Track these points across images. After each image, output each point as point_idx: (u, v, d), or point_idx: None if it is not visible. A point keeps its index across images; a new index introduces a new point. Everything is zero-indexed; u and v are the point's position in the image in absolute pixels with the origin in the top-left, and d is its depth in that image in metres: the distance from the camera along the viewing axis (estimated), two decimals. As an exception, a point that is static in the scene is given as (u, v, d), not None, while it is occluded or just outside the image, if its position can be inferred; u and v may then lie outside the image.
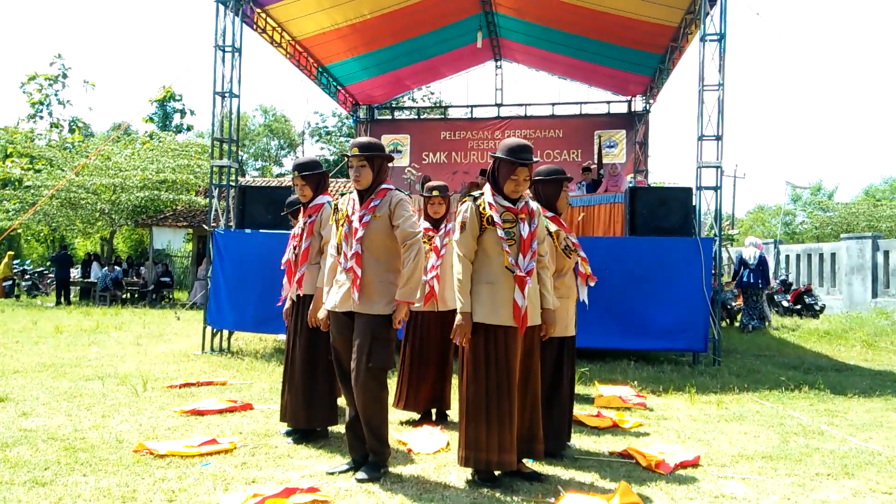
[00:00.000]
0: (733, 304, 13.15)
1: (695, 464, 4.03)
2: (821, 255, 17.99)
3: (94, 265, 19.91)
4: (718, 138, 8.26)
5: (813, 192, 40.51)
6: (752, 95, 79.44)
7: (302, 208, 4.59)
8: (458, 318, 3.58)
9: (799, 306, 14.96)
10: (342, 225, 3.82)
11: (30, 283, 21.04)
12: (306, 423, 4.44)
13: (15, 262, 21.90)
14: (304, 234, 4.47)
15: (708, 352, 7.77)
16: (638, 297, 7.63)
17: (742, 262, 12.41)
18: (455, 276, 3.66)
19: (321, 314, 3.96)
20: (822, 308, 14.97)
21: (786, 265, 19.26)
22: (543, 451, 3.76)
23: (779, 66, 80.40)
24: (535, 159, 3.67)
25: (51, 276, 20.69)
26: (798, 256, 19.05)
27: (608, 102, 15.54)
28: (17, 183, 21.64)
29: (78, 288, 19.74)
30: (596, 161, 13.63)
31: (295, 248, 4.54)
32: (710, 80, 8.34)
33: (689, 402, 5.88)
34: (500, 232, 3.59)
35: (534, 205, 3.77)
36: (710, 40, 8.32)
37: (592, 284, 4.40)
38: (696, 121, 8.36)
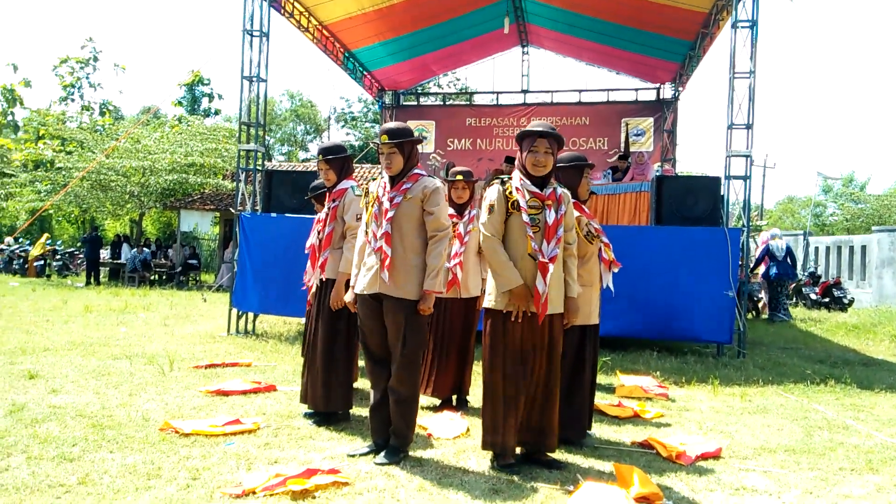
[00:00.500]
0: (759, 295, 13.00)
1: (716, 456, 4.00)
2: (851, 248, 17.69)
3: (125, 246, 20.24)
4: (749, 127, 8.14)
5: (844, 184, 39.69)
6: (784, 84, 78.02)
7: (327, 193, 4.61)
8: (495, 300, 3.58)
9: (827, 299, 14.74)
10: (372, 206, 3.84)
11: (60, 263, 21.45)
12: (324, 406, 4.48)
13: (47, 242, 22.32)
14: (328, 219, 4.49)
15: (733, 343, 7.70)
16: (663, 287, 7.57)
17: (770, 254, 12.28)
18: (489, 257, 3.65)
19: (348, 297, 3.99)
20: (851, 301, 14.73)
21: (815, 257, 18.97)
22: (556, 444, 3.74)
23: (812, 54, 78.80)
24: (554, 131, 3.65)
25: (81, 256, 21.08)
26: (828, 248, 18.75)
27: (636, 90, 15.31)
28: (48, 164, 22.04)
29: (107, 269, 20.08)
30: (623, 149, 13.50)
31: (319, 233, 4.57)
32: (741, 68, 8.20)
33: (712, 394, 5.84)
34: (524, 217, 3.58)
35: (562, 191, 3.74)
36: (742, 27, 8.17)
37: (616, 270, 4.36)
38: (727, 109, 8.23)
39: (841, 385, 6.27)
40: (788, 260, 12.33)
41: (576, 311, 3.76)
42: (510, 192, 3.64)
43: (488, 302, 3.67)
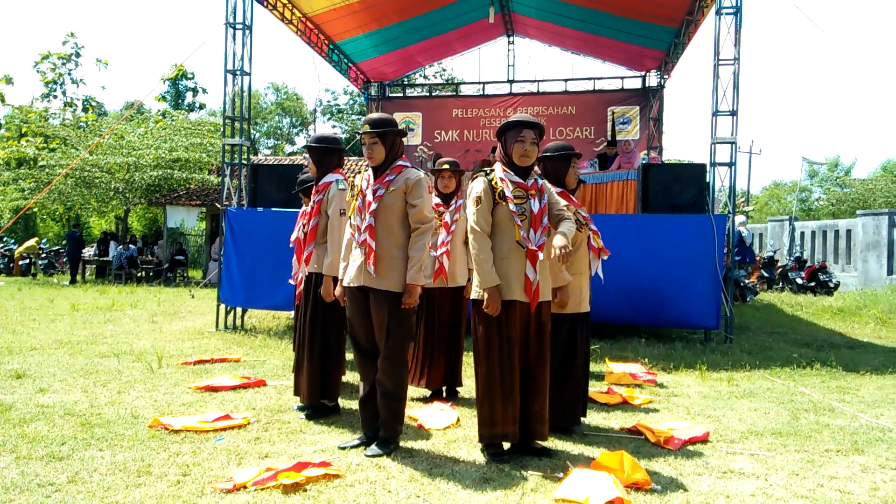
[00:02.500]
0: (746, 281, 13.18)
1: (704, 440, 4.05)
2: (836, 232, 17.86)
3: (112, 243, 20.08)
4: (734, 113, 8.17)
5: (830, 168, 40.02)
6: (768, 69, 78.33)
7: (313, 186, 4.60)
8: (483, 294, 3.57)
9: (813, 283, 14.90)
10: (356, 199, 3.84)
11: (46, 261, 21.27)
12: (313, 399, 4.47)
13: (38, 246, 22.05)
14: (312, 213, 4.48)
15: (720, 329, 7.76)
16: (650, 275, 7.61)
17: (741, 241, 12.87)
18: (473, 252, 3.65)
19: (337, 291, 3.99)
20: (837, 285, 14.89)
21: (801, 242, 19.12)
22: (547, 432, 3.74)
23: (796, 40, 79.11)
24: (539, 121, 3.71)
25: (66, 254, 20.92)
26: (813, 233, 18.91)
27: (622, 78, 15.32)
28: (31, 162, 21.78)
29: (94, 266, 19.92)
30: (609, 137, 13.55)
31: (304, 227, 4.56)
32: (725, 55, 8.22)
33: (699, 379, 5.89)
34: (511, 206, 3.59)
35: (543, 182, 3.77)
36: (726, 14, 8.19)
37: (606, 258, 4.38)
38: (711, 96, 8.26)
39: (827, 368, 6.34)
40: (750, 247, 13.68)
41: (567, 295, 3.84)
42: (495, 183, 3.66)
43: (476, 293, 3.69)
